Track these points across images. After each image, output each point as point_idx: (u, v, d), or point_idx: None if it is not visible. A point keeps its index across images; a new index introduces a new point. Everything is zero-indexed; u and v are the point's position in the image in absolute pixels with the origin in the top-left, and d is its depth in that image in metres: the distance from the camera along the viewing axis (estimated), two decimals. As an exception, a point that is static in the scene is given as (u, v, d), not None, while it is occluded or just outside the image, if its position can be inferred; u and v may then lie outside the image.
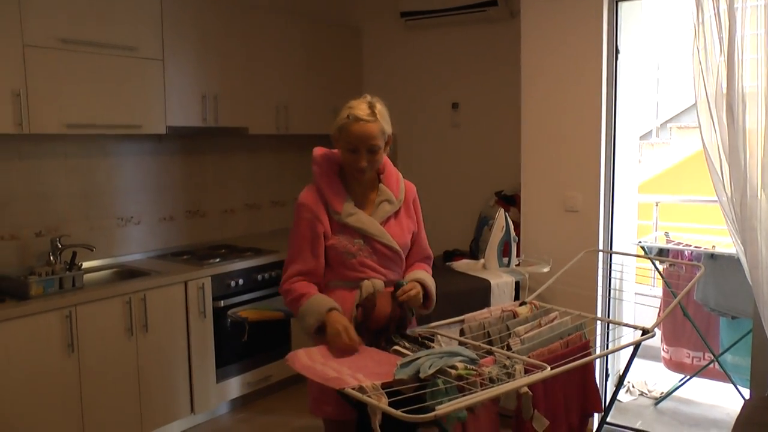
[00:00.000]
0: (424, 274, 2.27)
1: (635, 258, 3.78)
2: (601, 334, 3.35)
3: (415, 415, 1.52)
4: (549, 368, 1.81)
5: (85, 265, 3.41)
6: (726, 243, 3.69)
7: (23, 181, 3.33)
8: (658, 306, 4.05)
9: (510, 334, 2.23)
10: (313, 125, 4.39)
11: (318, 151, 2.25)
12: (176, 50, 3.58)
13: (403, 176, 2.33)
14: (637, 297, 4.09)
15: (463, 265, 3.62)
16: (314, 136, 3.95)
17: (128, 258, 3.76)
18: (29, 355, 2.82)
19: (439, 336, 2.18)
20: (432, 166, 4.57)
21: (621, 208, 3.56)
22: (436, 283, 2.31)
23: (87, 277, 3.27)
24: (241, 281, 3.69)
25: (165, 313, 3.34)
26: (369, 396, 1.62)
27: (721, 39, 2.47)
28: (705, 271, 2.72)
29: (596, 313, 3.36)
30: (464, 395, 1.65)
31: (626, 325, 2.48)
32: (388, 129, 2.14)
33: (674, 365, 3.97)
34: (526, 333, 2.20)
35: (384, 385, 1.69)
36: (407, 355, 1.89)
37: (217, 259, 3.69)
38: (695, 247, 3.80)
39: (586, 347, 2.31)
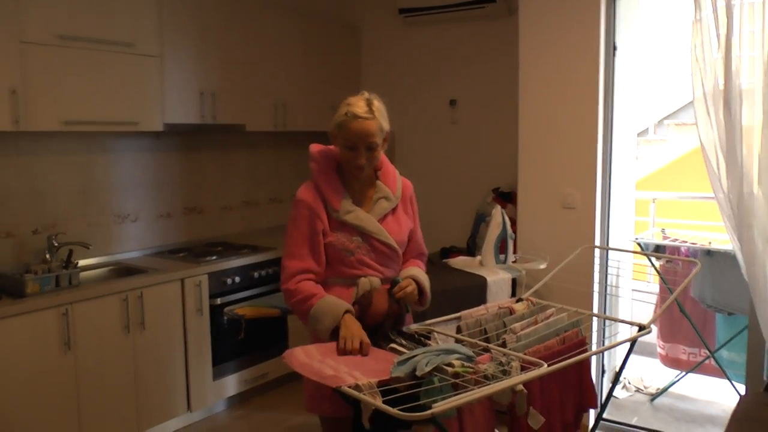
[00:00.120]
0: (418, 270, 2.27)
1: (632, 254, 3.78)
2: (597, 331, 3.36)
3: (411, 413, 1.52)
4: (546, 365, 1.81)
5: (82, 262, 3.40)
6: (722, 239, 3.70)
7: (20, 178, 3.32)
8: (655, 302, 4.06)
9: (506, 330, 2.23)
10: (311, 122, 4.39)
11: (315, 147, 2.25)
12: (174, 47, 3.57)
13: (401, 173, 2.33)
14: (633, 293, 4.10)
15: (459, 262, 3.63)
16: (312, 133, 3.95)
17: (125, 255, 3.76)
18: (25, 353, 2.81)
19: (435, 333, 2.18)
20: (429, 163, 4.57)
21: (618, 204, 3.56)
22: (432, 280, 2.31)
23: (83, 274, 3.27)
24: (238, 279, 3.69)
25: (162, 311, 3.33)
26: (365, 394, 1.62)
27: (718, 36, 2.47)
28: (701, 267, 2.72)
29: (593, 310, 3.37)
30: (459, 393, 1.65)
31: (623, 321, 2.48)
32: (386, 126, 2.14)
33: (670, 361, 3.98)
34: (522, 330, 2.20)
35: (381, 383, 1.69)
36: (404, 352, 1.89)
37: (214, 257, 3.69)
38: (692, 243, 3.80)
39: (582, 344, 2.31)
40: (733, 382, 3.62)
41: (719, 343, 3.73)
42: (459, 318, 2.31)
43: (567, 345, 2.20)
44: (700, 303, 3.72)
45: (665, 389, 3.91)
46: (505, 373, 1.80)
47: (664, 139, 7.54)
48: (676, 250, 3.83)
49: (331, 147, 2.23)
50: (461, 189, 4.43)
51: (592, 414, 3.29)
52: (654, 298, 4.12)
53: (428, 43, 4.53)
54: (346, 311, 2.05)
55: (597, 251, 3.37)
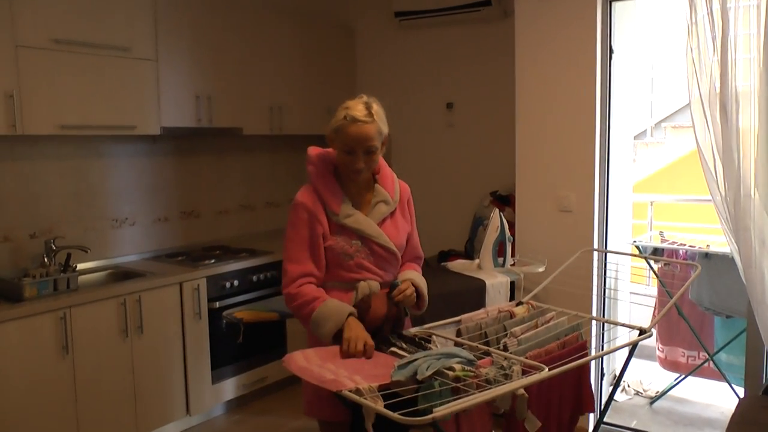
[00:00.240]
0: (415, 274, 2.27)
1: (630, 257, 3.79)
2: (596, 335, 3.36)
3: (411, 417, 1.52)
4: (546, 369, 1.80)
5: (80, 266, 3.39)
6: (720, 242, 3.70)
7: (17, 182, 3.31)
8: (653, 305, 4.06)
9: (507, 334, 2.23)
10: (308, 125, 4.38)
11: (313, 150, 2.24)
12: (170, 50, 3.56)
13: (398, 176, 2.33)
14: (632, 296, 4.10)
15: (458, 265, 3.62)
16: (308, 136, 3.93)
17: (123, 259, 3.75)
18: (23, 357, 2.80)
19: (435, 337, 2.17)
20: (427, 166, 4.57)
21: (615, 207, 3.57)
22: (430, 283, 2.30)
23: (81, 278, 3.26)
24: (236, 282, 3.68)
25: (160, 315, 3.32)
26: (365, 398, 1.61)
27: (714, 39, 2.48)
28: (700, 270, 2.72)
29: (591, 313, 3.37)
30: (459, 397, 1.64)
31: (624, 325, 2.48)
32: (385, 130, 2.13)
33: (669, 364, 3.98)
34: (522, 333, 2.20)
35: (381, 387, 1.68)
36: (404, 356, 1.88)
37: (212, 260, 3.68)
38: (690, 246, 3.81)
39: (583, 348, 2.31)
40: (732, 385, 3.62)
41: (718, 346, 3.73)
42: (459, 322, 2.31)
43: (567, 349, 2.20)
44: (698, 306, 3.72)
45: (664, 392, 3.91)
46: (507, 377, 1.80)
47: (661, 142, 7.54)
48: (674, 252, 3.84)
49: (329, 150, 2.22)
50: (459, 192, 4.43)
51: (592, 417, 3.29)
52: (652, 301, 4.12)
53: (424, 46, 4.53)
54: (350, 314, 2.04)
55: (595, 254, 3.37)
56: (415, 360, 1.79)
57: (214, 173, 4.30)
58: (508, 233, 3.52)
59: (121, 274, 3.49)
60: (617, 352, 3.49)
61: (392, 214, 2.24)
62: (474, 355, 1.91)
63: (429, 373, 1.72)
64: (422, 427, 1.61)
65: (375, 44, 4.75)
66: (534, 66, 3.49)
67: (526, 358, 1.97)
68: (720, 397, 3.81)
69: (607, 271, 3.50)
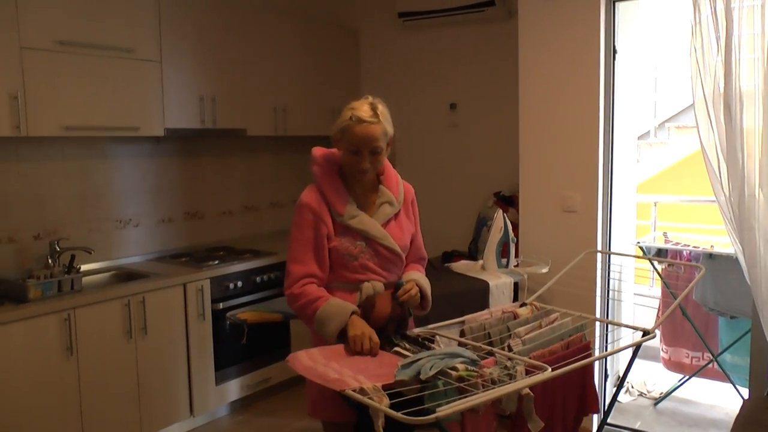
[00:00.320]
0: (419, 274, 2.28)
1: (634, 258, 3.78)
2: (600, 335, 3.35)
3: (415, 416, 1.52)
4: (550, 369, 1.80)
5: (84, 267, 3.40)
6: (724, 243, 3.69)
7: (21, 183, 3.32)
8: (657, 306, 4.05)
9: (511, 335, 2.23)
10: (312, 126, 4.39)
11: (318, 151, 2.24)
12: (174, 52, 3.57)
13: (401, 177, 2.33)
14: (636, 297, 4.10)
15: (461, 266, 3.62)
16: (312, 137, 3.94)
17: (127, 260, 3.76)
18: (28, 358, 2.81)
19: (438, 337, 2.17)
20: (430, 167, 4.57)
21: (619, 208, 3.56)
22: (434, 284, 2.30)
23: (86, 279, 3.26)
24: (240, 283, 3.68)
25: (164, 316, 3.33)
26: (370, 398, 1.61)
27: (718, 38, 2.47)
28: (704, 271, 2.72)
29: (595, 314, 3.36)
30: (464, 396, 1.64)
31: (627, 326, 2.47)
32: (390, 130, 2.14)
33: (673, 365, 3.97)
34: (526, 334, 2.19)
35: (385, 387, 1.68)
36: (408, 356, 1.88)
37: (216, 261, 3.68)
38: (694, 247, 3.80)
39: (586, 348, 2.30)
40: (736, 386, 3.61)
41: (722, 347, 3.72)
42: (463, 322, 2.31)
43: (571, 350, 2.20)
44: (703, 306, 3.71)
45: (668, 393, 3.90)
46: (510, 378, 1.80)
47: (664, 142, 7.54)
48: (678, 253, 3.83)
49: (334, 150, 2.22)
50: (462, 193, 4.43)
51: (596, 419, 3.28)
52: (656, 302, 4.11)
53: (428, 46, 4.53)
54: (353, 312, 2.04)
55: (599, 255, 3.36)
56: (419, 360, 1.80)
57: (217, 174, 4.31)
58: (511, 234, 3.52)
59: (125, 275, 3.50)
60: (621, 353, 3.50)
61: (396, 215, 2.24)
62: (477, 355, 1.91)
63: (432, 372, 1.72)
64: (427, 427, 1.61)
65: (379, 45, 4.76)
66: (537, 66, 3.49)
67: (530, 358, 1.96)
68: (724, 398, 3.80)
69: (611, 272, 3.49)
